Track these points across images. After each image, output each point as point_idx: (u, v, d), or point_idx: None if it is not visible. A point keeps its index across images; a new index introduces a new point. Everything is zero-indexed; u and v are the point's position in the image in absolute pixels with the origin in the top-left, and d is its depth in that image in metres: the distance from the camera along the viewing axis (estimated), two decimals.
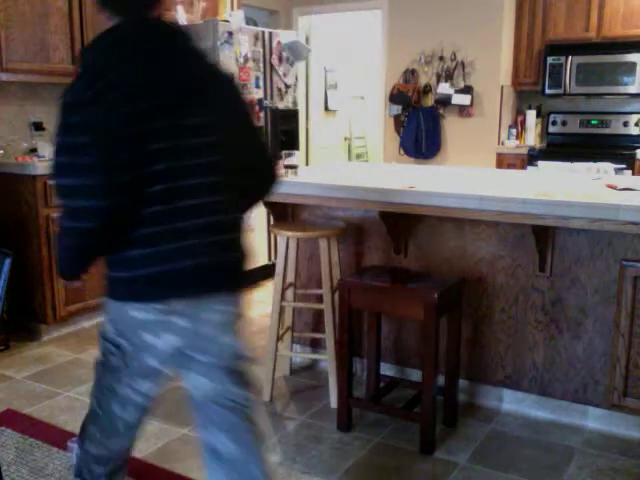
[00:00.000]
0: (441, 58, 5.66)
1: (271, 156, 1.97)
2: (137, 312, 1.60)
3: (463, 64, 5.56)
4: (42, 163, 3.78)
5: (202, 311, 1.65)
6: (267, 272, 5.01)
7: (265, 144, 1.99)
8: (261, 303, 4.57)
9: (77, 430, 2.77)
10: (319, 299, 3.05)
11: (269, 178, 1.88)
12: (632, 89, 5.13)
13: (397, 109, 5.91)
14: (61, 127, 1.57)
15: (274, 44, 4.92)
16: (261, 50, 4.79)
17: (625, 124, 5.37)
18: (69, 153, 1.53)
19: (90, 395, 1.81)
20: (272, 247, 5.08)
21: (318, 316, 3.32)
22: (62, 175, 1.56)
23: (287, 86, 5.11)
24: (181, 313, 1.61)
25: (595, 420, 2.79)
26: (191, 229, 1.57)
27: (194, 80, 1.63)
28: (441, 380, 2.75)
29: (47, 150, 4.03)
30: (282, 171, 3.20)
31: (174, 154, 1.53)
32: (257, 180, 1.85)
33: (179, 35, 1.68)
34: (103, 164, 1.48)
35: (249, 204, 1.89)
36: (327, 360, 3.02)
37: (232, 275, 1.73)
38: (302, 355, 3.40)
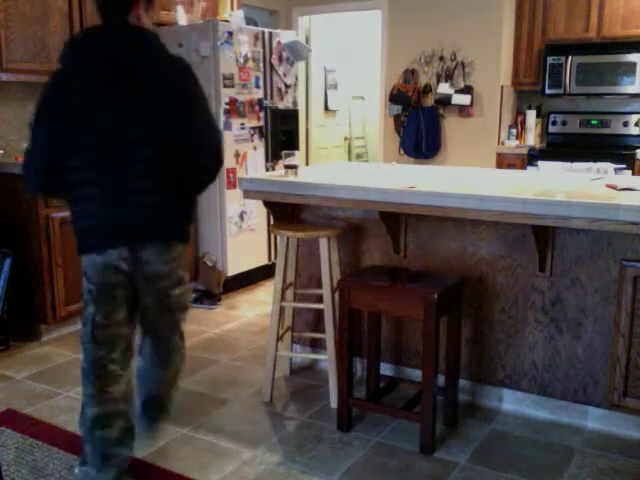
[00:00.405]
0: (441, 58, 5.66)
1: (211, 140, 2.24)
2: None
3: (463, 64, 5.56)
4: None
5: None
6: (267, 272, 5.01)
7: (203, 130, 2.22)
8: (261, 303, 4.57)
9: (77, 429, 2.78)
10: (319, 299, 3.05)
11: (205, 160, 2.22)
12: (632, 89, 5.14)
13: (397, 109, 5.91)
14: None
15: (274, 44, 4.92)
16: (261, 50, 4.79)
17: (625, 124, 5.37)
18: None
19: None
20: (272, 247, 5.08)
21: (318, 316, 3.32)
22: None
23: (287, 86, 5.11)
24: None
25: (595, 420, 2.79)
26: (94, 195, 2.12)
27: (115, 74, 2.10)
28: (441, 380, 2.75)
29: None
30: (282, 171, 3.21)
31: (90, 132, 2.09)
32: (194, 159, 2.20)
33: (127, 37, 2.15)
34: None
35: (196, 180, 2.27)
36: (327, 360, 3.02)
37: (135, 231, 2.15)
38: (302, 355, 3.40)
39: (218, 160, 2.28)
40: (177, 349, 2.46)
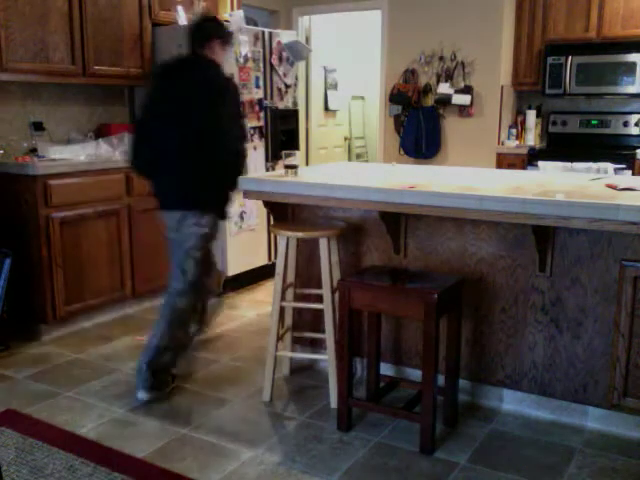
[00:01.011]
0: (441, 58, 5.66)
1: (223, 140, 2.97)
2: None
3: (463, 64, 5.56)
4: (42, 163, 3.78)
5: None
6: (267, 272, 5.01)
7: (220, 131, 2.95)
8: (261, 303, 4.57)
9: (77, 429, 2.79)
10: (319, 299, 3.05)
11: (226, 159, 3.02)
12: (632, 89, 5.14)
13: (397, 109, 5.91)
14: None
15: (274, 44, 4.92)
16: (261, 50, 4.79)
17: (625, 124, 5.37)
18: None
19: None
20: (272, 247, 5.08)
21: (318, 316, 3.31)
22: None
23: (287, 86, 5.11)
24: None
25: (595, 420, 2.79)
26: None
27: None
28: (441, 380, 2.75)
29: (47, 150, 4.04)
30: (282, 171, 3.21)
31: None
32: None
33: (189, 62, 3.11)
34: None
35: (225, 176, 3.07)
36: (327, 360, 3.02)
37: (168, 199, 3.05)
38: (302, 355, 3.40)
39: (234, 157, 3.05)
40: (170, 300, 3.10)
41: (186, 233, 3.00)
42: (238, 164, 3.08)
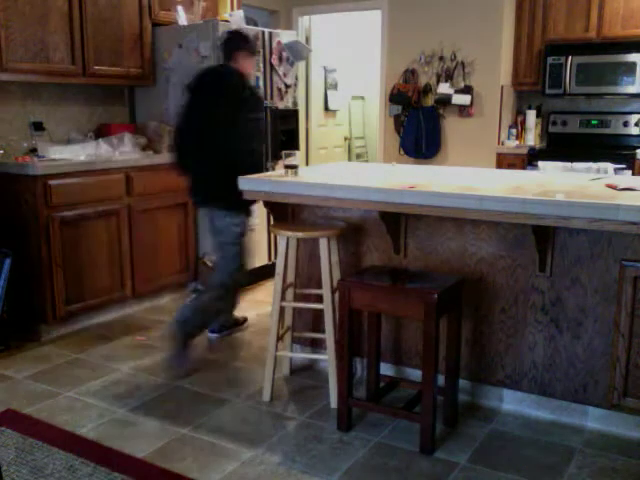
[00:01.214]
0: (441, 58, 5.66)
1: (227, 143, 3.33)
2: None
3: (463, 64, 5.56)
4: (42, 163, 3.78)
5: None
6: (267, 272, 5.01)
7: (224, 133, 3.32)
8: (261, 303, 4.57)
9: (77, 429, 2.79)
10: (319, 299, 3.05)
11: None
12: (632, 89, 5.14)
13: (397, 109, 5.91)
14: None
15: (274, 44, 4.92)
16: (261, 50, 4.79)
17: (625, 124, 5.37)
18: None
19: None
20: (272, 247, 5.08)
21: (318, 316, 3.32)
22: None
23: (287, 86, 5.10)
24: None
25: (595, 420, 2.79)
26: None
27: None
28: (441, 380, 2.75)
29: (47, 150, 4.04)
30: (282, 170, 3.21)
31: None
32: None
33: (213, 72, 3.55)
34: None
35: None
36: (327, 360, 3.02)
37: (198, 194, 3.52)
38: (302, 355, 3.40)
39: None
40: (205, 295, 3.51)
41: (222, 228, 3.40)
42: (254, 162, 3.40)
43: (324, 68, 6.94)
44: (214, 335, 3.89)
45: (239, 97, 3.34)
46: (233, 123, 3.29)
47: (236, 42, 3.48)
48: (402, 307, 2.62)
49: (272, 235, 5.02)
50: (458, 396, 2.88)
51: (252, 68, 3.61)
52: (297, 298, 3.31)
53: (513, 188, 2.76)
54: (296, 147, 5.12)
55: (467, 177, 3.20)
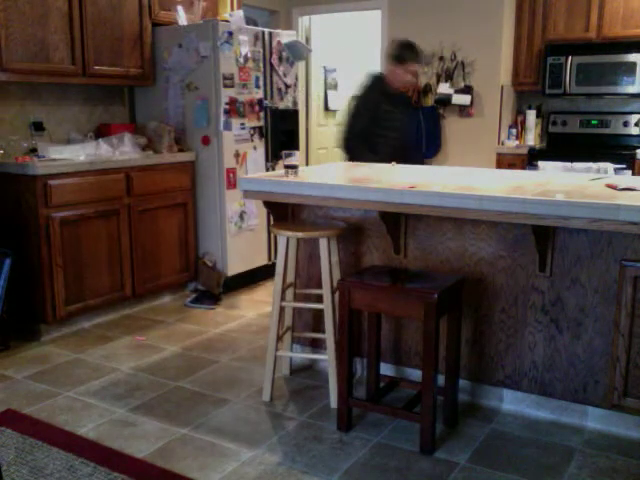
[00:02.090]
0: (441, 58, 5.66)
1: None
2: None
3: (463, 64, 5.56)
4: (42, 163, 3.78)
5: None
6: (267, 272, 5.01)
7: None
8: (261, 303, 4.57)
9: (77, 429, 2.79)
10: (319, 299, 3.05)
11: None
12: (632, 89, 5.14)
13: None
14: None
15: (274, 44, 4.92)
16: (261, 50, 4.79)
17: (625, 124, 5.37)
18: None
19: None
20: (272, 247, 5.08)
21: (318, 316, 3.32)
22: None
23: (287, 86, 5.11)
24: None
25: (595, 420, 2.79)
26: None
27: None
28: (441, 380, 2.75)
29: (47, 150, 4.04)
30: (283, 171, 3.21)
31: None
32: None
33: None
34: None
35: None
36: (327, 360, 3.02)
37: None
38: (302, 355, 3.40)
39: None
40: None
41: None
42: (346, 156, 3.97)
43: (324, 68, 6.94)
44: None
45: (357, 104, 4.21)
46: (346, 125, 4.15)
47: (387, 52, 3.87)
48: (402, 307, 2.62)
49: (272, 235, 5.02)
50: (458, 396, 2.87)
51: (398, 77, 4.00)
52: (297, 298, 3.31)
53: (513, 188, 2.76)
54: (296, 147, 5.12)
55: (467, 177, 3.19)
